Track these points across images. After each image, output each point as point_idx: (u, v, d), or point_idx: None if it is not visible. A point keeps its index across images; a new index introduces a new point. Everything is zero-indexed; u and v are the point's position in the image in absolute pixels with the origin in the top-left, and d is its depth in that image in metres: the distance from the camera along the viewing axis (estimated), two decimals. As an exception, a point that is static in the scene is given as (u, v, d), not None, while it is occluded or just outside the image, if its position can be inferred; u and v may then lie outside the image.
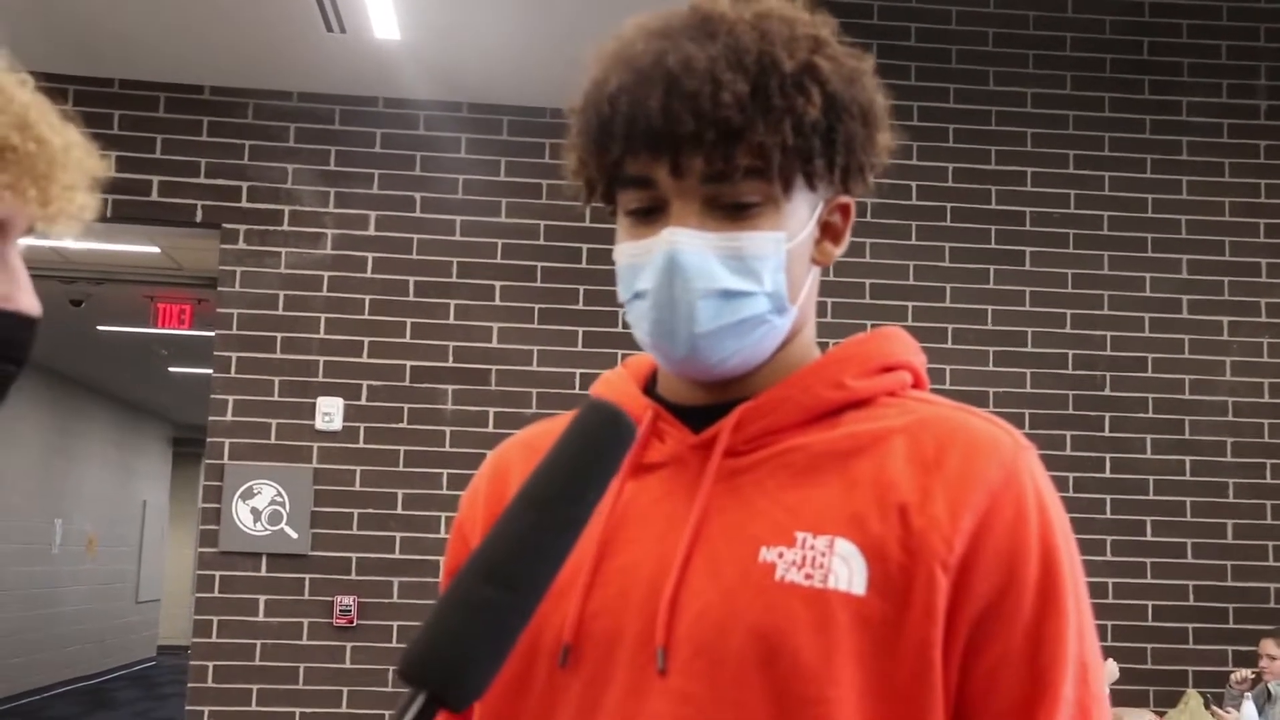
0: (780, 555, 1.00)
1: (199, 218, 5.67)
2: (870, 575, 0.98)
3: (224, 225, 5.66)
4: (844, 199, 1.11)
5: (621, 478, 1.08)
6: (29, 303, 0.92)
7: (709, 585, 1.01)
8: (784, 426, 1.06)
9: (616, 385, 1.17)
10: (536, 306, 5.71)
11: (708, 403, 1.09)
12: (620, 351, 5.53)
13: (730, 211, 1.02)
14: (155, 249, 6.78)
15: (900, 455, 1.02)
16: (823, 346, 1.14)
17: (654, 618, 1.01)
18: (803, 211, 1.06)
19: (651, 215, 1.04)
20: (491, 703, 1.07)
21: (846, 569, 0.98)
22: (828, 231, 1.11)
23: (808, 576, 0.98)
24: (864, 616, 0.97)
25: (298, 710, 5.43)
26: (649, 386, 1.16)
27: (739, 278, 1.02)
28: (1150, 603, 5.79)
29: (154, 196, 5.64)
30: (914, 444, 1.03)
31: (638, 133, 1.01)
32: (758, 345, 1.06)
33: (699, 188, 1.02)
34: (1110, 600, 5.69)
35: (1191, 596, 5.83)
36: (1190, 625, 5.81)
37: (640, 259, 1.04)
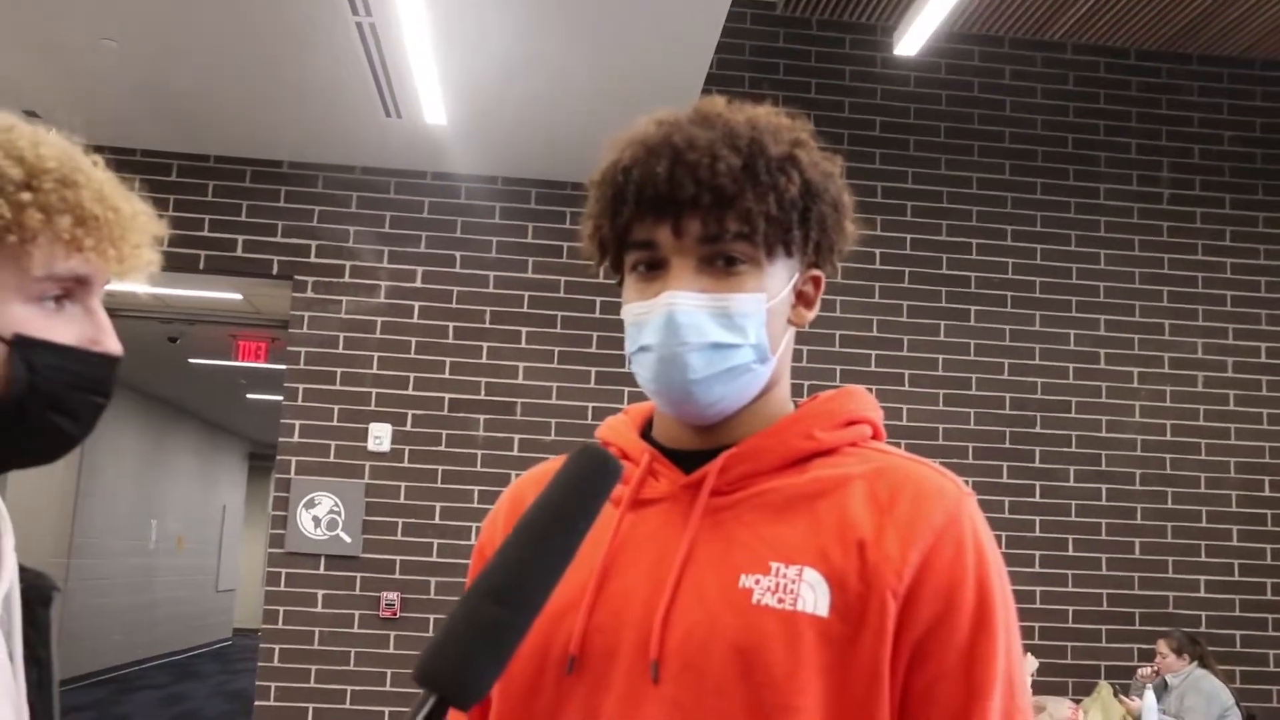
0: (757, 581, 0.99)
1: (275, 270, 5.67)
2: (833, 600, 0.97)
3: (296, 277, 5.66)
4: (816, 272, 1.11)
5: (622, 511, 1.08)
6: (112, 344, 0.93)
7: (695, 606, 1.00)
8: (762, 471, 1.05)
9: (618, 430, 1.17)
10: (556, 349, 5.70)
11: (697, 448, 1.08)
12: (626, 389, 5.52)
13: (721, 270, 1.02)
14: (238, 296, 6.78)
15: (859, 498, 1.02)
16: (797, 388, 1.13)
17: (649, 634, 1.00)
18: (782, 277, 1.06)
19: (653, 272, 1.04)
20: (506, 705, 1.06)
21: (813, 594, 0.98)
22: (802, 299, 1.10)
23: (780, 600, 0.98)
24: (827, 635, 0.97)
25: (349, 688, 5.39)
26: (646, 431, 1.15)
27: (727, 332, 1.02)
28: (1070, 607, 5.76)
29: (239, 252, 5.65)
30: (871, 489, 1.02)
31: (646, 198, 1.02)
32: (743, 390, 1.05)
33: (695, 247, 1.02)
34: (1037, 605, 5.66)
35: (1105, 603, 5.80)
36: (1103, 627, 5.78)
37: (644, 318, 1.04)
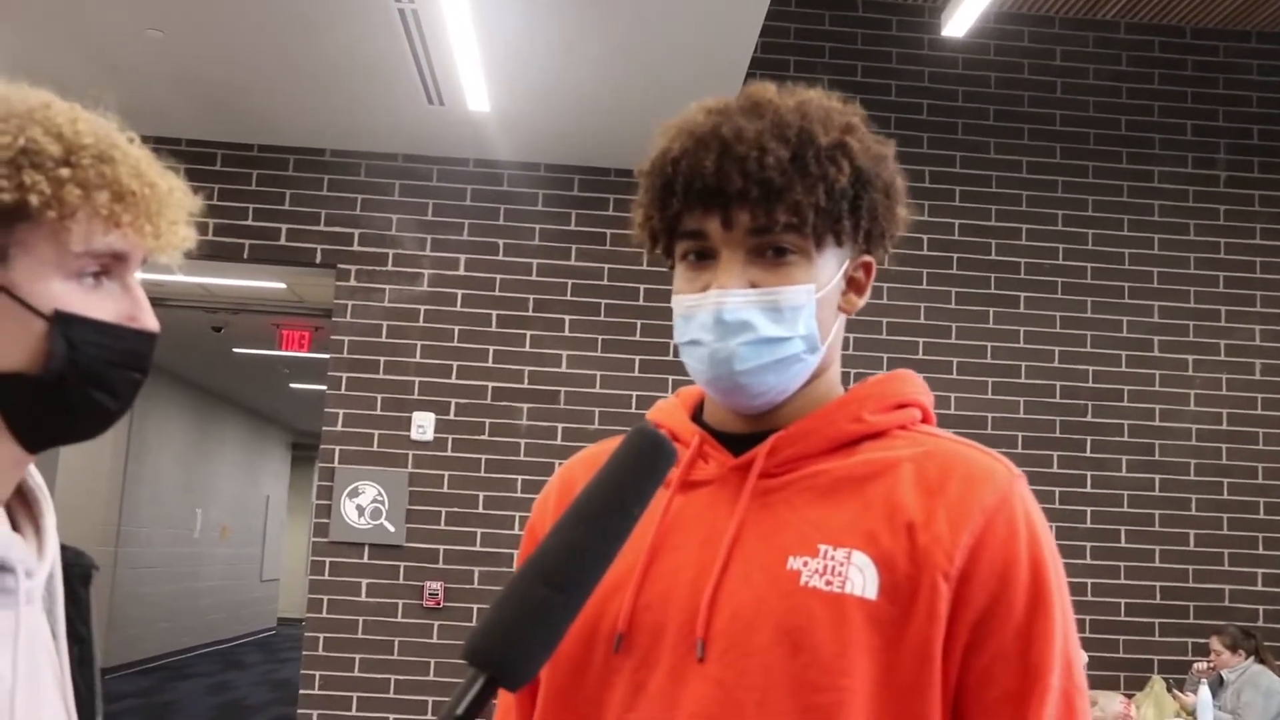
0: (805, 564, 1.00)
1: (318, 259, 5.72)
2: (881, 583, 0.98)
3: (339, 265, 5.71)
4: (867, 258, 1.11)
5: (671, 492, 1.09)
6: (149, 321, 0.94)
7: (743, 587, 1.01)
8: (810, 454, 1.06)
9: (669, 412, 1.18)
10: (600, 338, 5.71)
11: (746, 430, 1.09)
12: (670, 377, 5.52)
13: (770, 260, 1.04)
14: (282, 285, 6.84)
15: (908, 480, 1.02)
16: (845, 377, 1.13)
17: (695, 614, 1.01)
18: (832, 265, 1.06)
19: (703, 262, 1.06)
20: (555, 680, 1.08)
21: (861, 577, 0.98)
22: (853, 285, 1.11)
23: (828, 583, 0.99)
24: (875, 618, 0.97)
25: (392, 677, 5.44)
26: (696, 414, 1.17)
27: (776, 325, 1.03)
28: (1123, 600, 5.70)
29: (282, 241, 5.70)
30: (920, 471, 1.03)
31: (694, 190, 1.03)
32: (793, 379, 1.07)
33: (745, 239, 1.03)
34: (1088, 598, 5.61)
35: (1158, 596, 5.74)
36: (1156, 620, 5.72)
37: (693, 311, 1.05)
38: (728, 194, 1.02)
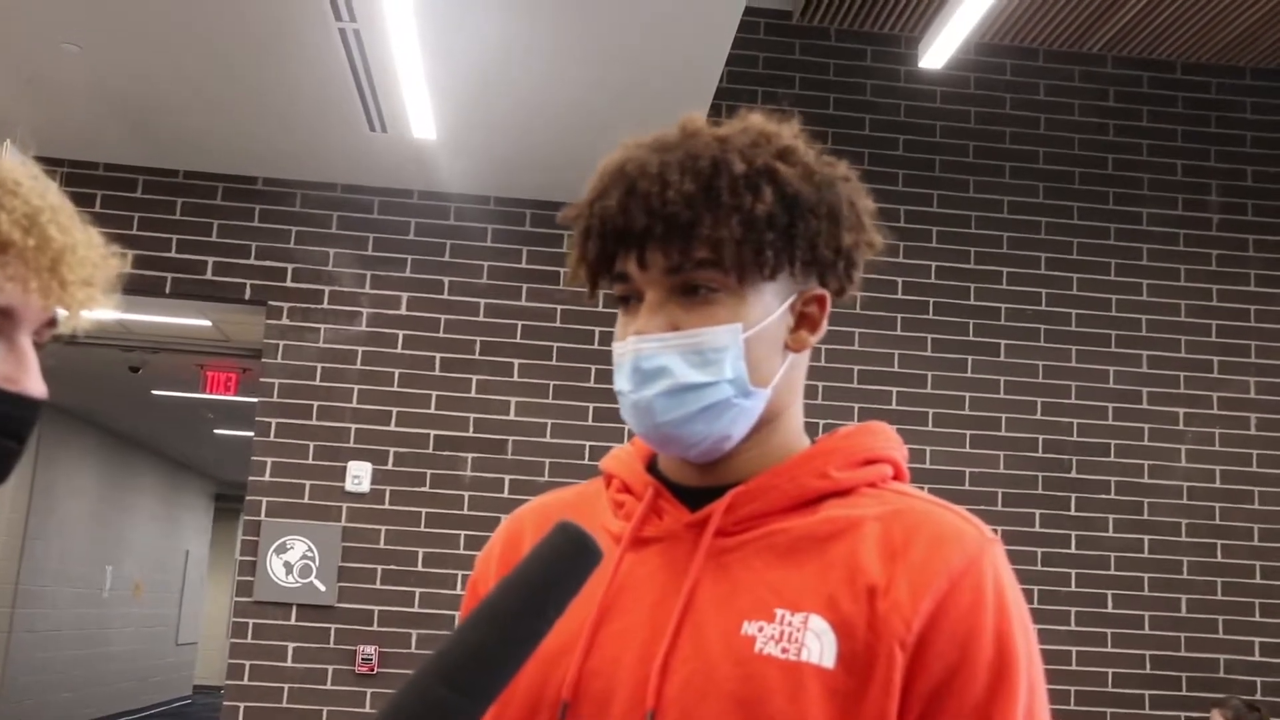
0: (760, 629, 1.00)
1: (248, 295, 5.69)
2: (839, 650, 0.98)
3: (270, 302, 5.68)
4: (818, 291, 1.10)
5: (622, 549, 1.09)
6: (35, 385, 0.91)
7: (695, 654, 1.01)
8: (771, 511, 1.06)
9: (624, 460, 1.19)
10: (551, 383, 5.71)
11: (703, 484, 1.10)
12: (626, 427, 5.50)
13: (689, 300, 1.04)
14: (207, 322, 6.79)
15: (871, 542, 1.02)
16: (813, 428, 1.14)
17: (645, 682, 1.01)
18: (769, 301, 1.06)
19: (631, 304, 1.07)
20: None
21: (819, 644, 0.98)
22: (804, 321, 1.11)
23: (784, 650, 0.98)
24: (832, 688, 0.97)
25: (320, 751, 5.36)
26: (652, 463, 1.17)
27: (698, 370, 1.03)
28: (1110, 670, 5.72)
29: (209, 275, 5.66)
30: (885, 532, 1.03)
31: (606, 232, 1.05)
32: (731, 426, 1.06)
33: (662, 279, 1.04)
34: (1073, 667, 5.63)
35: (1148, 665, 5.76)
36: (1147, 692, 5.74)
37: (619, 360, 1.08)
38: (635, 234, 1.03)
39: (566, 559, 0.85)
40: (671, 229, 1.01)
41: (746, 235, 1.02)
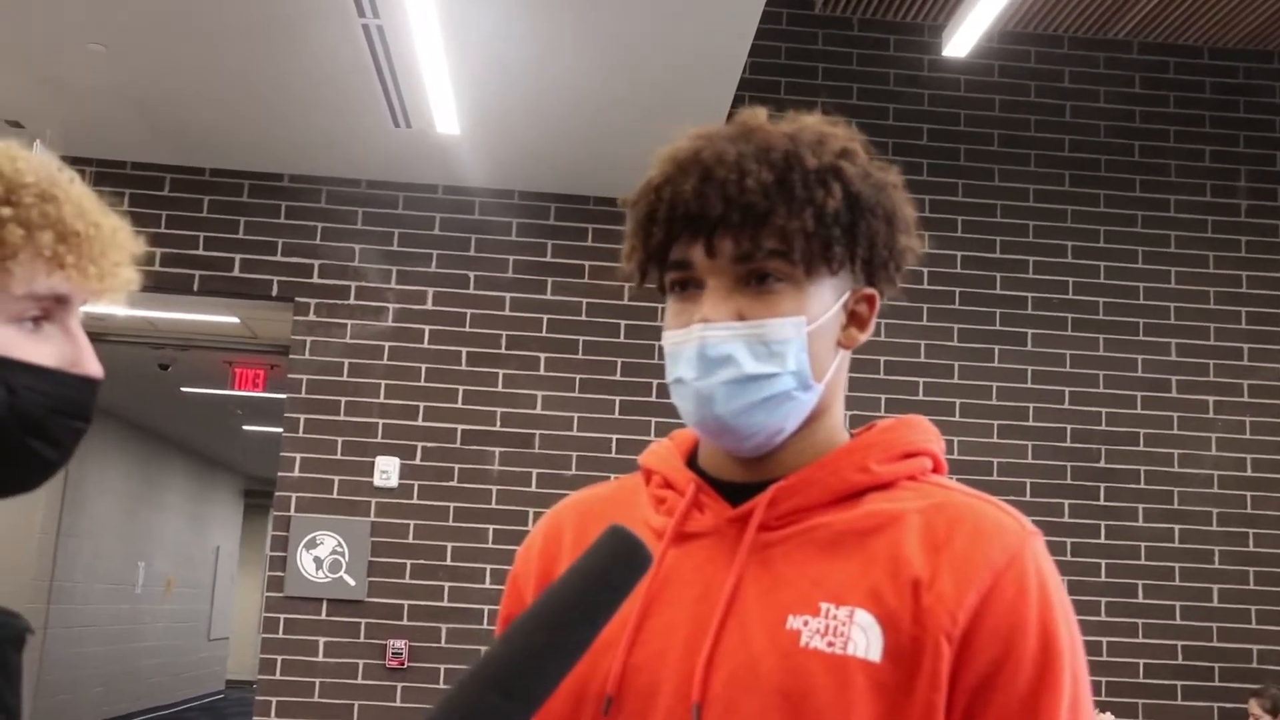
0: (805, 623, 1.00)
1: (275, 292, 5.72)
2: (885, 644, 0.98)
3: (297, 299, 5.70)
4: (869, 290, 1.12)
5: (665, 544, 1.09)
6: (93, 366, 0.95)
7: (740, 648, 1.01)
8: (813, 505, 1.07)
9: (663, 457, 1.19)
10: (578, 377, 5.71)
11: (744, 479, 1.10)
12: (653, 419, 5.52)
13: (756, 290, 1.05)
14: (235, 319, 6.83)
15: (914, 535, 1.03)
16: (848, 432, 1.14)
17: (690, 675, 1.02)
18: (827, 297, 1.07)
19: (690, 293, 1.07)
20: None
21: (865, 638, 0.99)
22: (854, 319, 1.12)
23: (830, 644, 0.99)
24: (879, 681, 0.97)
25: (351, 745, 5.39)
26: (691, 459, 1.17)
27: (762, 362, 1.04)
28: (1141, 661, 5.70)
29: (236, 272, 5.70)
30: (927, 525, 1.03)
31: (676, 217, 1.05)
32: (786, 419, 1.07)
33: (729, 268, 1.04)
34: (1104, 658, 5.61)
35: (1180, 656, 5.73)
36: (1179, 683, 5.71)
37: (679, 348, 1.07)
38: (709, 220, 1.03)
39: (619, 564, 0.85)
40: (747, 217, 1.02)
41: (817, 229, 1.03)
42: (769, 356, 1.04)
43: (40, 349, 0.91)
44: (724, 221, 1.03)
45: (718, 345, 1.04)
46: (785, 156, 1.04)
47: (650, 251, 1.08)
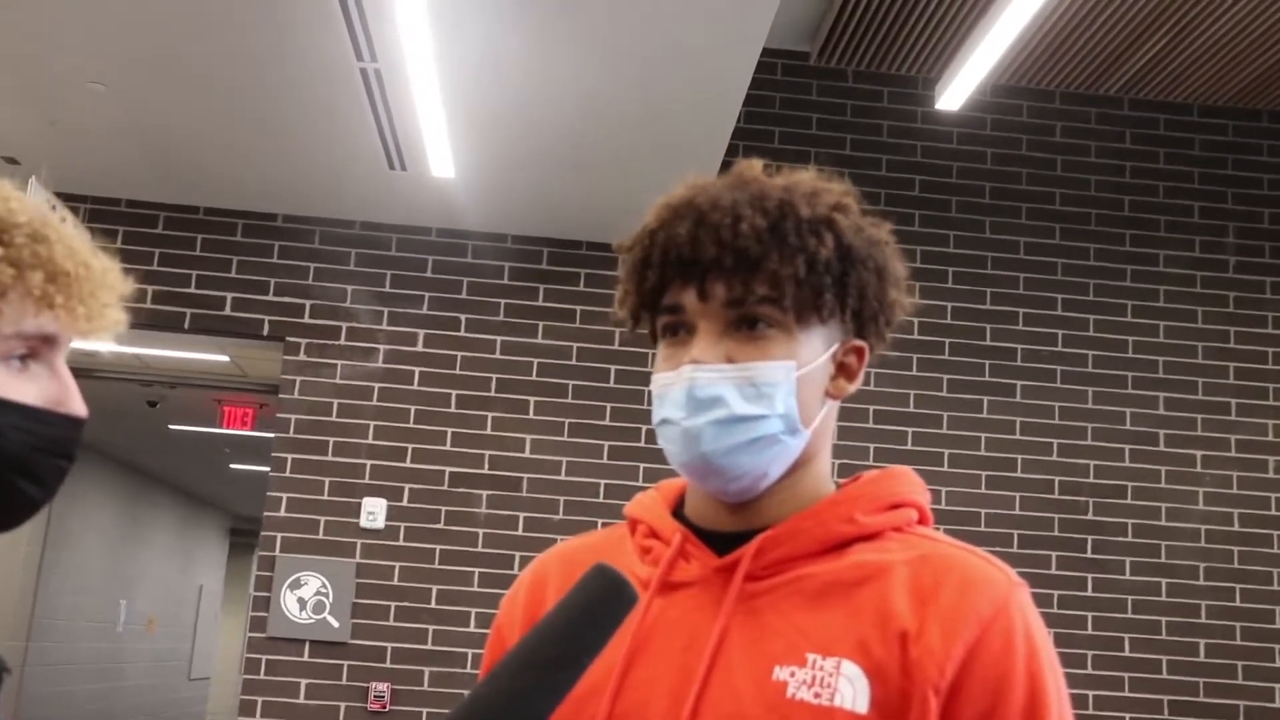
0: (792, 674, 1.00)
1: (266, 331, 5.71)
2: (872, 695, 0.98)
3: (287, 338, 5.70)
4: (858, 342, 1.13)
5: (650, 594, 1.10)
6: (77, 406, 0.96)
7: (726, 698, 1.01)
8: (799, 555, 1.07)
9: (648, 506, 1.19)
10: (567, 421, 5.71)
11: (731, 529, 1.10)
12: (642, 465, 5.51)
13: (747, 335, 1.06)
14: (225, 358, 6.82)
15: (901, 586, 1.03)
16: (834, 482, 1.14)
17: None
18: (817, 345, 1.08)
19: (680, 338, 1.08)
20: None
21: (851, 689, 0.99)
22: (843, 370, 1.13)
23: (816, 695, 0.99)
24: None
25: (332, 789, 5.33)
26: (677, 509, 1.17)
27: (751, 403, 1.05)
28: (1127, 715, 5.67)
29: (227, 311, 5.69)
30: (914, 577, 1.04)
31: (670, 260, 1.06)
32: (772, 463, 1.07)
33: (721, 311, 1.06)
34: (1090, 711, 5.58)
35: (1166, 710, 5.70)
36: (1165, 738, 5.68)
37: (667, 390, 1.07)
38: (702, 264, 1.04)
39: (605, 602, 0.85)
40: (740, 262, 1.04)
41: (809, 276, 1.04)
42: (757, 398, 1.04)
43: (25, 388, 0.92)
44: (717, 265, 1.04)
45: (707, 386, 1.04)
46: (780, 205, 1.05)
47: (643, 296, 1.09)
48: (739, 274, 1.04)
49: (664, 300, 1.08)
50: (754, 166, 1.12)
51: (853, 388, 1.13)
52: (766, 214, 1.04)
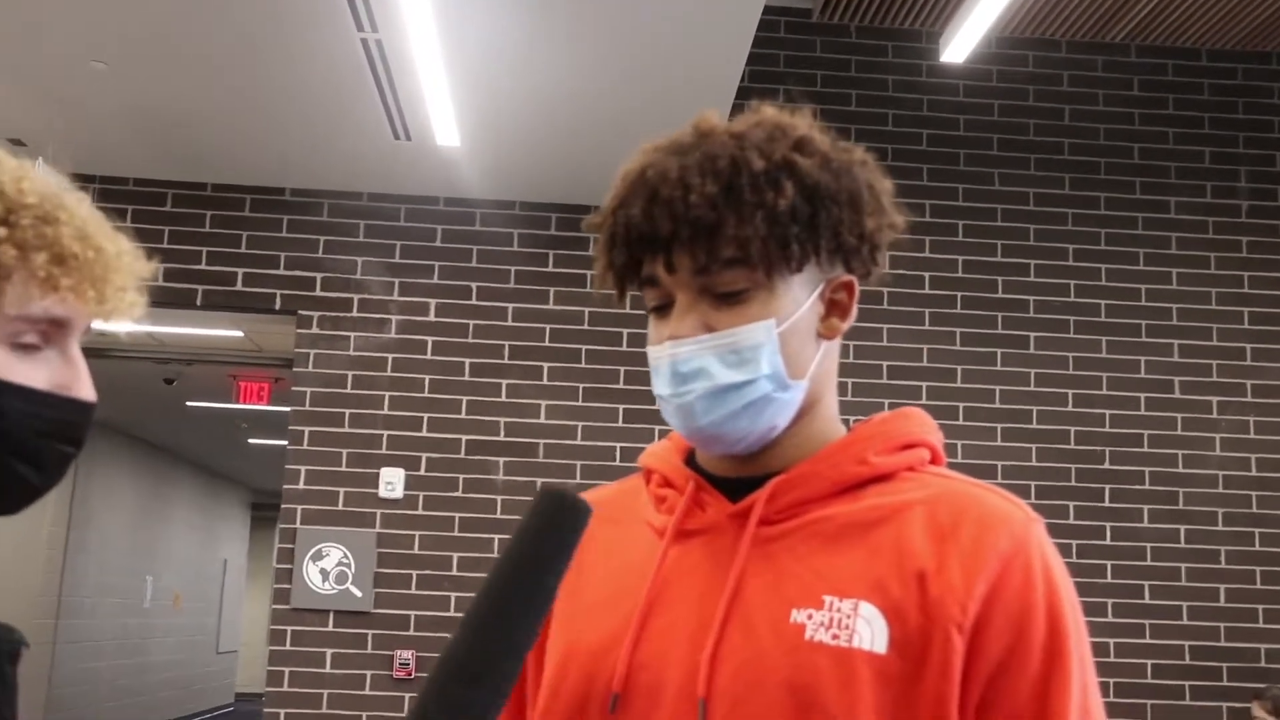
0: (809, 616, 1.01)
1: (278, 305, 5.72)
2: (891, 635, 0.98)
3: (300, 312, 5.71)
4: (846, 277, 1.11)
5: (666, 542, 1.10)
6: (85, 391, 0.94)
7: (745, 643, 1.01)
8: (813, 498, 1.07)
9: (662, 456, 1.20)
10: (581, 386, 5.71)
11: (743, 474, 1.10)
12: (656, 427, 5.52)
13: (721, 300, 1.05)
14: (239, 333, 6.84)
15: (918, 525, 1.03)
16: (844, 424, 1.14)
17: (695, 672, 1.02)
18: (798, 293, 1.07)
19: (664, 309, 1.08)
20: None
21: (869, 630, 0.99)
22: (834, 308, 1.11)
23: (834, 636, 0.99)
24: (885, 673, 0.97)
25: (360, 756, 5.39)
26: (690, 456, 1.18)
27: (735, 370, 1.04)
28: (1149, 661, 5.69)
29: (239, 286, 5.70)
30: (931, 515, 1.04)
31: (632, 239, 1.06)
32: (772, 420, 1.07)
33: (692, 280, 1.05)
34: (1111, 659, 5.59)
35: (1187, 656, 5.72)
36: (1186, 683, 5.69)
37: (657, 364, 1.08)
38: (661, 239, 1.04)
39: (554, 524, 0.84)
40: (697, 232, 1.02)
41: (771, 231, 1.02)
42: (740, 364, 1.04)
43: (33, 371, 0.91)
44: (676, 239, 1.03)
45: (688, 360, 1.05)
46: (731, 162, 1.03)
47: (619, 272, 1.09)
48: (699, 243, 1.03)
49: (643, 272, 1.08)
50: (709, 118, 1.10)
51: (846, 324, 1.12)
52: (717, 176, 1.02)
